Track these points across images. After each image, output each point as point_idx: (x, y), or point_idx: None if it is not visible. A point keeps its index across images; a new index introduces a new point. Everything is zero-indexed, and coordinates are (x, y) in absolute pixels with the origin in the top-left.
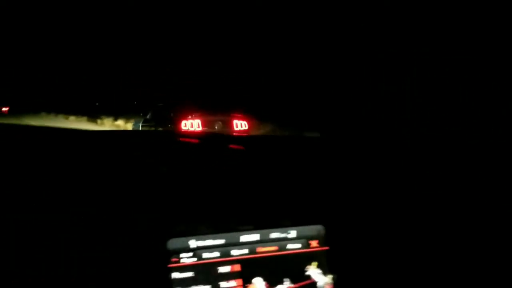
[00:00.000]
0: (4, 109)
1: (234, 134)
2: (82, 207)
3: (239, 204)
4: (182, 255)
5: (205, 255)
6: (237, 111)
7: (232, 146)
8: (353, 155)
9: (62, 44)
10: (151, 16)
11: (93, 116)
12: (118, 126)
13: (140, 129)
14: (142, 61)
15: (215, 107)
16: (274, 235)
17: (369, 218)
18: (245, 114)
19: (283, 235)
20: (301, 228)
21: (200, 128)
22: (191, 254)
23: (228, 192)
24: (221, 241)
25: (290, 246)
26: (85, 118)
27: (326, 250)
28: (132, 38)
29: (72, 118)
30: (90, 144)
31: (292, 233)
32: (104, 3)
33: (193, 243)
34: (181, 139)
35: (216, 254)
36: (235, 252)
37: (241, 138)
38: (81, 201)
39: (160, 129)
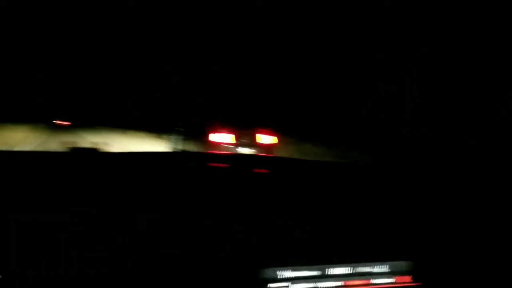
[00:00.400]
0: (65, 123)
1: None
2: (177, 236)
3: (329, 236)
4: (273, 285)
5: (295, 286)
6: (263, 126)
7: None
8: (442, 187)
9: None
10: (186, 41)
11: (139, 130)
12: (162, 138)
13: (175, 140)
14: (182, 86)
15: (243, 122)
16: (363, 269)
17: (462, 251)
18: (271, 128)
19: (373, 270)
20: (391, 263)
21: (230, 141)
22: (282, 284)
23: (320, 224)
24: (311, 273)
25: (379, 280)
26: (132, 131)
27: (418, 286)
28: (175, 64)
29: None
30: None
31: (382, 268)
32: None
33: (284, 274)
34: (255, 170)
35: (306, 285)
36: (324, 284)
37: (322, 164)
38: (175, 230)
39: (196, 141)
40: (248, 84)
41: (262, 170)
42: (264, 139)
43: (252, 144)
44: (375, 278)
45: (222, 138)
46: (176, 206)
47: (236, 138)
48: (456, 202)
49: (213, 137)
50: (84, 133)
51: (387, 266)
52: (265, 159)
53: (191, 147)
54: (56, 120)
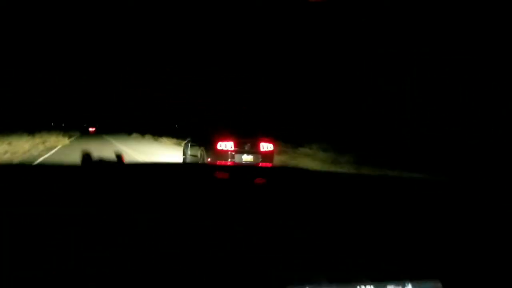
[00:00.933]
0: (91, 129)
1: (261, 156)
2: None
3: (355, 253)
4: None
5: None
6: (263, 135)
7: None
8: (476, 203)
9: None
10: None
11: (159, 135)
12: (176, 143)
13: (189, 147)
14: (194, 103)
15: (245, 131)
16: (389, 287)
17: (492, 273)
18: (270, 137)
19: None
20: (418, 282)
21: (233, 148)
22: None
23: (345, 241)
24: None
25: None
26: (150, 136)
27: None
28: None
29: (144, 136)
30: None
31: (408, 287)
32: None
33: None
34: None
35: None
36: None
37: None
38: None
39: (203, 148)
40: (250, 96)
41: (285, 184)
42: (263, 146)
43: (253, 151)
44: None
45: (227, 146)
46: (194, 223)
47: (240, 146)
48: (484, 216)
49: (220, 145)
50: (108, 136)
51: (415, 285)
52: (289, 172)
53: (202, 153)
54: (86, 125)
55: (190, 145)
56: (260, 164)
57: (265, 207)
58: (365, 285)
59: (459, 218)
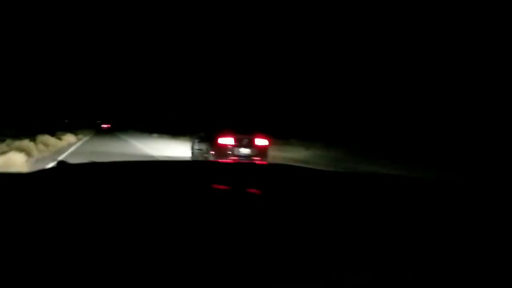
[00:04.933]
0: (104, 126)
1: (257, 150)
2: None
3: (351, 251)
4: None
5: None
6: (259, 131)
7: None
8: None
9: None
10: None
11: (174, 135)
12: (186, 140)
13: (196, 143)
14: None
15: (243, 129)
16: None
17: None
18: (265, 134)
19: None
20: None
21: (233, 143)
22: None
23: (339, 238)
24: None
25: None
26: (166, 135)
27: None
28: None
29: (155, 135)
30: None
31: None
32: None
33: None
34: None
35: None
36: None
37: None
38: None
39: (207, 143)
40: (248, 95)
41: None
42: (259, 141)
43: (250, 145)
44: None
45: (227, 141)
46: (188, 219)
47: (238, 141)
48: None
49: (221, 140)
50: (120, 134)
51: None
52: (286, 169)
53: (206, 147)
54: (99, 122)
55: (197, 141)
56: (257, 162)
57: (261, 207)
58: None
59: (463, 219)
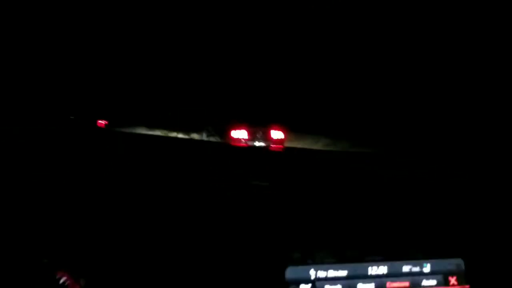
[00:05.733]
0: (100, 122)
1: (272, 144)
2: (201, 234)
3: (365, 230)
4: (301, 286)
5: (326, 287)
6: (275, 123)
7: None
8: (496, 180)
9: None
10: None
11: (185, 132)
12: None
13: (206, 137)
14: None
15: (257, 120)
16: (405, 268)
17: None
18: (282, 126)
19: (416, 269)
20: (437, 261)
21: (246, 137)
22: (310, 286)
23: (353, 216)
24: (345, 273)
25: (424, 282)
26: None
27: None
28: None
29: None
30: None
31: (427, 267)
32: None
33: (313, 273)
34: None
35: (339, 287)
36: (360, 286)
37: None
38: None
39: (218, 137)
40: (261, 88)
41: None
42: (274, 134)
43: (265, 138)
44: (421, 280)
45: (240, 134)
46: (196, 202)
47: (252, 134)
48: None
49: (234, 133)
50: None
51: (435, 264)
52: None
53: (219, 139)
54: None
55: (207, 135)
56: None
57: (271, 186)
58: (378, 266)
59: (482, 199)
